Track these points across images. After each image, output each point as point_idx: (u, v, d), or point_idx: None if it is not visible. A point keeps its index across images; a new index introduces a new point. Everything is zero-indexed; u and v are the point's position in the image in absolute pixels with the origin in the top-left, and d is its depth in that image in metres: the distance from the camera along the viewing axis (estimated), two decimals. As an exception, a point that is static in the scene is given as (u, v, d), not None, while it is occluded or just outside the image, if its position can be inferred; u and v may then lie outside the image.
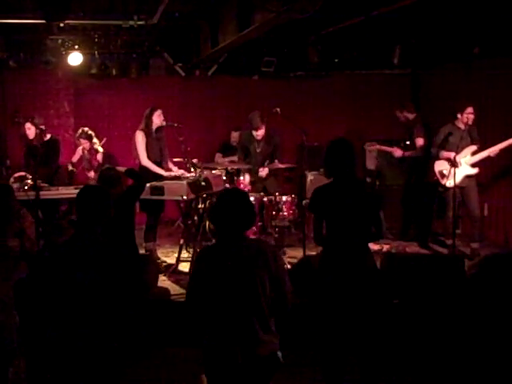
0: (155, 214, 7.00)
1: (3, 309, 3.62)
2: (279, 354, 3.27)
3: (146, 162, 6.88)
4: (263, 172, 7.40)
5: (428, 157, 7.72)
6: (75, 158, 8.27)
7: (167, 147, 7.19)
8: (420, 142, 7.70)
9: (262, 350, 3.17)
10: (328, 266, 4.08)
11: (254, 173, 7.42)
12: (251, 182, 7.33)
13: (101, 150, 8.14)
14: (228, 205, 3.30)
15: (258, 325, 3.18)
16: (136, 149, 6.90)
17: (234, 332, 3.18)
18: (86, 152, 8.08)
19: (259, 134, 7.30)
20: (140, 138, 6.87)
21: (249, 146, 7.46)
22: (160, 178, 6.86)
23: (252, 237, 6.55)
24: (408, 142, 7.89)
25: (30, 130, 7.43)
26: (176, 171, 7.04)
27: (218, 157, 9.09)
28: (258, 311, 3.19)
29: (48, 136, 7.60)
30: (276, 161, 7.21)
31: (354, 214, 4.04)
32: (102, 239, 3.40)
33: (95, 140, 8.12)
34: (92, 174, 8.00)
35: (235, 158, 8.01)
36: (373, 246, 4.31)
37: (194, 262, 3.37)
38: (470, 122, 6.88)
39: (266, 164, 7.47)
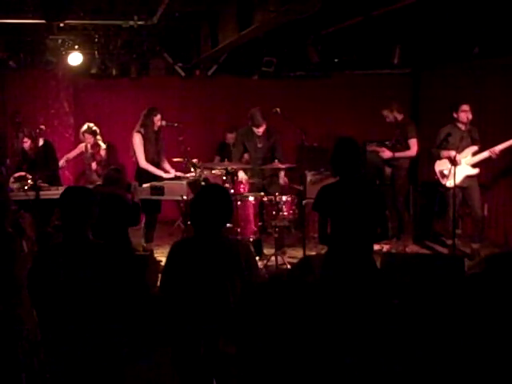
0: (153, 214, 7.01)
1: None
2: None
3: (144, 164, 6.94)
4: (282, 180, 7.36)
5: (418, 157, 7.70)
6: (72, 155, 8.30)
7: (164, 148, 7.22)
8: (414, 142, 7.69)
9: (224, 346, 3.16)
10: (332, 266, 4.08)
11: (253, 172, 7.31)
12: (250, 180, 7.25)
13: (103, 145, 8.19)
14: (202, 201, 3.29)
15: (223, 322, 3.17)
16: (134, 150, 6.97)
17: (199, 326, 3.20)
18: (89, 147, 8.13)
19: (260, 130, 7.18)
20: (138, 141, 6.91)
21: (248, 143, 7.31)
22: (159, 178, 6.89)
23: (249, 236, 6.59)
24: (393, 142, 7.80)
25: (27, 143, 7.37)
26: (173, 173, 7.05)
27: (217, 160, 9.05)
28: (225, 310, 3.18)
29: (41, 141, 7.47)
30: (276, 161, 7.17)
31: (360, 214, 4.03)
32: (93, 240, 3.30)
33: (99, 136, 8.17)
34: (94, 165, 8.06)
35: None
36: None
37: (167, 255, 3.34)
38: (465, 120, 6.84)
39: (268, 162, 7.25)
